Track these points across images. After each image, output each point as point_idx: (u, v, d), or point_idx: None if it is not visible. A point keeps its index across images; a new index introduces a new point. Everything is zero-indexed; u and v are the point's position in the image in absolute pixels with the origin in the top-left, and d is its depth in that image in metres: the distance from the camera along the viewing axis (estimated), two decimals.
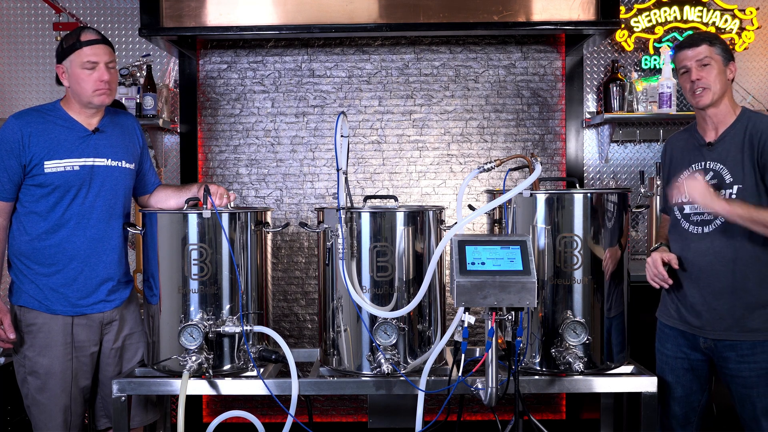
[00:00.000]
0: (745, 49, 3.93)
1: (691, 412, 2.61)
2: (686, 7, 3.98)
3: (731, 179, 2.45)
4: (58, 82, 2.69)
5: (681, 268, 2.55)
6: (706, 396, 2.62)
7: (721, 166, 2.47)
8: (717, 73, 2.48)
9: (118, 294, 2.72)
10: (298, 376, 2.51)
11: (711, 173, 2.49)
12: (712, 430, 2.82)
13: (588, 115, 4.06)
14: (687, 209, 2.54)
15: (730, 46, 2.62)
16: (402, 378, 2.50)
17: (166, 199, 2.88)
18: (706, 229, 2.48)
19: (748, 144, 2.44)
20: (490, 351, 2.26)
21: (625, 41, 4.00)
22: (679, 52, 2.55)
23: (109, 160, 2.67)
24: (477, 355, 2.93)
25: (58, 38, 3.38)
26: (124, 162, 2.71)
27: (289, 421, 2.47)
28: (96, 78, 2.57)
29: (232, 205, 2.67)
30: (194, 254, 2.54)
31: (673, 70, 3.89)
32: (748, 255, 2.43)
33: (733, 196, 2.43)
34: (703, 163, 2.52)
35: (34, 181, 2.56)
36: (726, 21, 3.95)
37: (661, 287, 2.63)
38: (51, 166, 2.56)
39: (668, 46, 3.95)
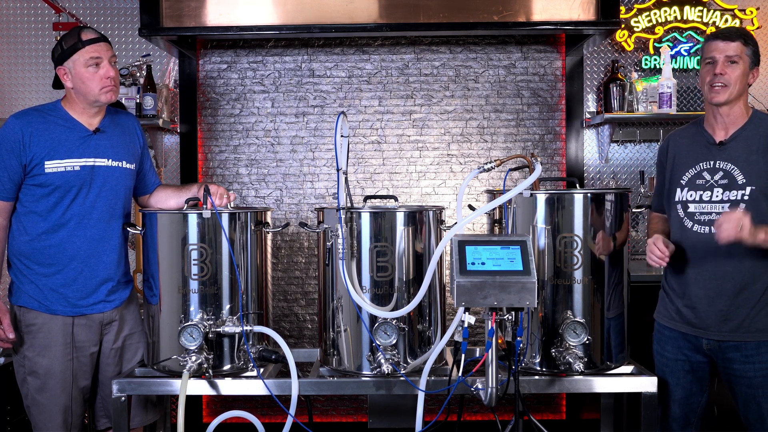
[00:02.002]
0: None
1: (691, 413, 2.61)
2: (686, 7, 3.99)
3: (744, 180, 2.43)
4: (55, 86, 2.68)
5: (679, 259, 2.53)
6: (706, 397, 2.61)
7: (732, 167, 2.45)
8: (740, 74, 2.44)
9: (118, 294, 2.72)
10: (298, 376, 2.51)
11: (721, 173, 2.47)
12: (712, 430, 2.82)
13: (588, 115, 4.06)
14: (692, 208, 2.51)
15: None
16: (402, 378, 2.50)
17: (166, 199, 2.88)
18: (713, 229, 2.45)
19: (763, 145, 2.42)
20: (490, 351, 2.25)
21: (625, 41, 4.00)
22: (711, 42, 2.49)
23: (110, 160, 2.66)
24: (477, 355, 2.93)
25: (58, 38, 3.38)
26: (124, 162, 2.71)
27: (289, 421, 2.47)
28: (102, 75, 2.58)
29: (232, 205, 2.67)
30: (194, 254, 2.54)
31: (673, 70, 3.91)
32: (756, 255, 2.41)
33: (746, 198, 2.41)
34: (712, 162, 2.50)
35: (35, 181, 2.56)
36: (726, 21, 3.95)
37: (661, 288, 2.63)
38: (51, 166, 2.55)
39: (668, 46, 3.95)
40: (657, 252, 2.46)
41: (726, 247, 2.42)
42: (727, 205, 2.43)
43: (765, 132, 2.43)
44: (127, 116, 2.86)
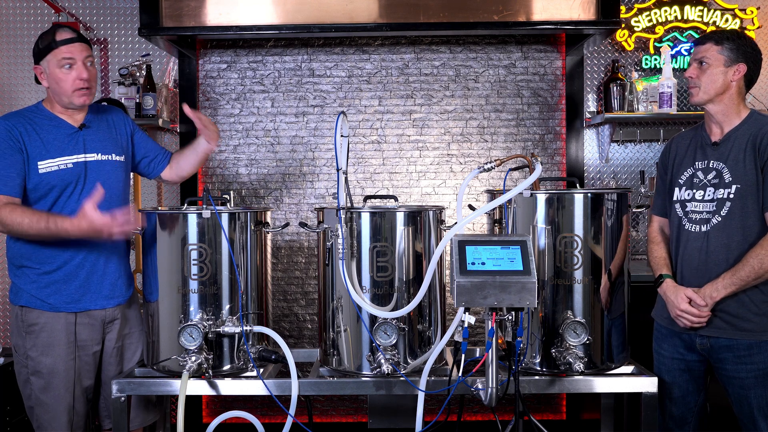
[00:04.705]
0: None
1: (688, 412, 2.62)
2: (687, 7, 3.98)
3: (730, 179, 2.45)
4: (37, 81, 2.67)
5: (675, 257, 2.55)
6: (703, 396, 2.62)
7: (723, 166, 2.48)
8: (712, 73, 2.48)
9: (120, 291, 2.72)
10: (298, 377, 2.51)
11: (713, 172, 2.49)
12: (709, 429, 2.81)
13: (588, 115, 4.06)
14: (688, 207, 2.54)
15: None
16: (402, 378, 2.50)
17: (186, 162, 2.90)
18: (703, 228, 2.48)
19: (750, 144, 2.43)
20: (490, 351, 2.25)
21: (626, 41, 4.00)
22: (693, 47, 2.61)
23: (100, 154, 2.66)
24: (477, 355, 2.93)
25: None
26: (114, 155, 2.70)
27: (289, 421, 2.46)
28: (75, 76, 2.55)
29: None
30: (194, 254, 2.53)
31: (674, 69, 3.91)
32: (742, 254, 2.42)
33: (731, 196, 2.44)
34: (706, 162, 2.52)
35: (29, 184, 2.55)
36: (726, 21, 3.95)
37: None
38: (45, 166, 2.54)
39: (669, 45, 3.95)
40: (691, 316, 2.49)
41: (714, 246, 2.45)
42: (715, 204, 2.46)
43: (755, 132, 2.46)
44: (110, 109, 2.85)
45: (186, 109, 2.79)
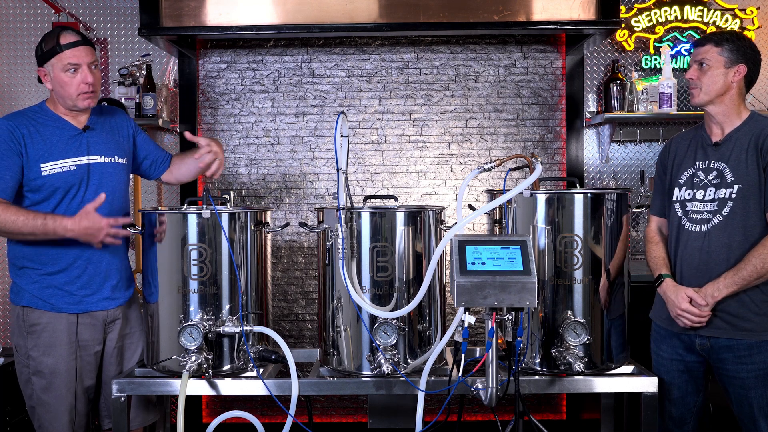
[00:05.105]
0: None
1: (687, 413, 2.62)
2: (687, 7, 3.98)
3: (732, 179, 2.45)
4: (40, 81, 2.66)
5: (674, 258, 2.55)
6: (702, 397, 2.62)
7: (724, 166, 2.48)
8: (712, 75, 2.48)
9: (122, 292, 2.72)
10: (298, 377, 2.51)
11: (714, 172, 2.50)
12: (708, 430, 2.81)
13: (588, 115, 4.06)
14: (688, 207, 2.54)
15: None
16: (402, 378, 2.50)
17: (187, 169, 2.92)
18: (703, 228, 2.49)
19: (753, 144, 2.44)
20: (490, 351, 2.25)
21: (626, 41, 4.00)
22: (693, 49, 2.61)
23: (103, 156, 2.66)
24: (477, 355, 2.93)
25: None
26: (116, 157, 2.70)
27: (289, 421, 2.46)
28: (80, 80, 2.55)
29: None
30: (194, 254, 2.53)
31: (674, 69, 3.91)
32: (743, 254, 2.42)
33: (733, 196, 2.44)
34: (707, 162, 2.53)
35: (32, 186, 2.54)
36: (726, 21, 3.95)
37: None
38: (48, 168, 2.54)
39: (669, 45, 3.95)
40: (692, 315, 2.47)
41: (714, 246, 2.46)
42: (716, 203, 2.46)
43: (757, 132, 2.46)
44: (113, 111, 2.84)
45: (188, 136, 2.79)
